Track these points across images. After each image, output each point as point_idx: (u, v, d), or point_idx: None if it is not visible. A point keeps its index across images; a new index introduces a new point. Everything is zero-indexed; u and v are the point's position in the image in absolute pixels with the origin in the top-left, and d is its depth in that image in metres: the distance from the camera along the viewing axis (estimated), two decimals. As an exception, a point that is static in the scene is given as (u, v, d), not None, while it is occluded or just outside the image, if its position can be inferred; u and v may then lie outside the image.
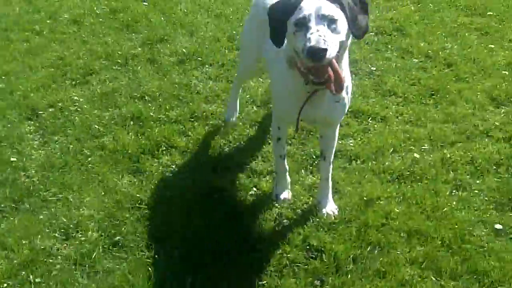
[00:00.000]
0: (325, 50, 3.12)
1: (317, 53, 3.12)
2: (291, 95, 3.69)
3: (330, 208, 4.05)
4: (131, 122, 5.07)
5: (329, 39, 3.17)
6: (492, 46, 6.01)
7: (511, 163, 4.43)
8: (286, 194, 4.21)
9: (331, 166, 4.07)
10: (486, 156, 4.51)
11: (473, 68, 5.65)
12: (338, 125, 4.01)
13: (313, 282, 3.57)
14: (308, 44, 3.13)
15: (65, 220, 4.08)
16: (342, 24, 3.30)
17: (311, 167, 4.51)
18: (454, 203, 4.10)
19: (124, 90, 5.53)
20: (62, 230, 4.02)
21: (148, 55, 6.13)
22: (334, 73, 3.28)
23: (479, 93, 5.24)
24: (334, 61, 3.26)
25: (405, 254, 3.71)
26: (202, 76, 5.74)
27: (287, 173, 4.24)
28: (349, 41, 3.47)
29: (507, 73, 5.53)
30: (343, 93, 3.69)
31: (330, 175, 4.08)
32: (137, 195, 4.27)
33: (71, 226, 4.04)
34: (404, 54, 5.95)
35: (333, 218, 3.99)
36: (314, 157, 4.56)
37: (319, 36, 3.14)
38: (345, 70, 3.66)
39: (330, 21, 3.24)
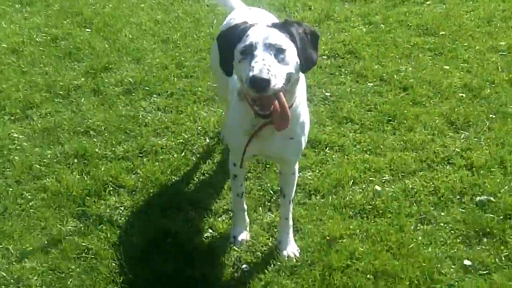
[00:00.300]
0: (268, 80, 2.91)
1: (260, 83, 2.91)
2: (240, 128, 3.46)
3: (291, 249, 3.82)
4: (75, 160, 4.75)
5: (274, 69, 2.96)
6: (447, 67, 5.89)
7: (475, 192, 4.28)
8: (244, 236, 3.96)
9: (292, 204, 3.84)
10: (449, 185, 4.35)
11: (429, 91, 5.51)
12: (297, 162, 3.78)
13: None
14: (251, 73, 2.92)
15: (5, 275, 3.76)
16: (291, 55, 3.10)
17: (269, 204, 4.28)
18: (420, 238, 3.92)
19: (67, 124, 5.21)
20: (3, 286, 3.68)
21: (92, 85, 5.81)
22: (280, 107, 3.06)
23: (437, 117, 5.10)
24: (281, 94, 3.05)
25: (373, 298, 3.51)
26: (150, 106, 5.45)
27: (246, 213, 4.00)
28: (300, 75, 3.27)
29: (463, 95, 5.41)
30: (298, 130, 3.49)
31: (290, 214, 3.85)
32: (83, 243, 3.96)
33: (12, 281, 3.72)
34: (358, 78, 5.78)
35: (294, 260, 3.76)
36: (272, 192, 4.33)
37: (263, 65, 2.94)
38: (301, 105, 3.47)
39: (278, 51, 3.05)
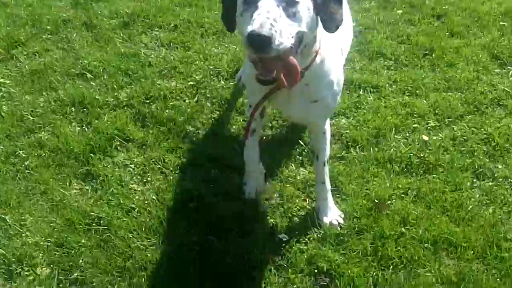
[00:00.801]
0: (269, 37, 2.30)
1: (258, 41, 2.31)
2: (256, 86, 2.82)
3: (333, 216, 3.32)
4: (72, 109, 4.15)
5: (281, 25, 2.36)
6: (483, -10, 5.29)
7: (534, 140, 3.79)
8: (254, 185, 3.50)
9: (327, 166, 3.31)
10: (503, 131, 3.85)
11: (466, 19, 4.93)
12: (327, 122, 3.22)
13: (329, 319, 2.87)
14: (250, 27, 2.32)
15: (5, 253, 3.21)
16: (306, 9, 2.49)
17: (300, 157, 3.75)
18: (478, 196, 3.44)
19: (59, 66, 4.56)
20: (3, 266, 3.15)
21: (83, 18, 5.14)
22: (289, 67, 2.50)
23: (479, 51, 4.54)
24: (292, 58, 2.49)
25: (435, 271, 3.04)
26: (152, 42, 4.81)
27: (258, 157, 3.47)
28: (317, 35, 2.67)
29: (505, 24, 4.84)
30: (323, 91, 2.92)
31: (327, 177, 3.33)
32: (92, 212, 3.41)
33: (13, 260, 3.18)
34: (385, 4, 5.15)
35: (339, 228, 3.27)
36: (303, 144, 3.79)
37: (266, 18, 2.33)
38: (328, 61, 2.87)
39: (289, 3, 2.42)
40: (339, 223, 3.29)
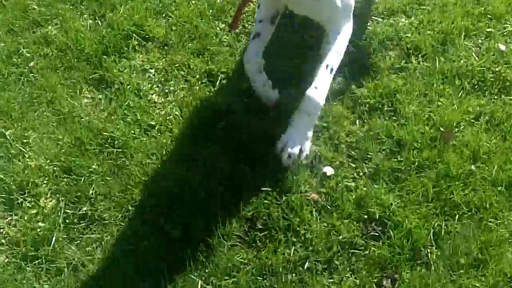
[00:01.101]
0: None
1: None
2: None
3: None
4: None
5: None
6: None
7: None
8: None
9: (330, 77, 2.69)
10: None
11: None
12: (347, 24, 2.75)
13: (380, 282, 2.41)
14: None
15: (4, 178, 2.79)
16: None
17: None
18: None
19: None
20: (3, 194, 2.75)
21: None
22: None
23: None
24: None
25: (508, 223, 2.53)
26: None
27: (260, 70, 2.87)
28: None
29: None
30: None
31: (321, 86, 2.66)
32: (105, 130, 2.93)
33: (14, 187, 2.76)
34: None
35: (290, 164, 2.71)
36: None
37: None
38: None
39: None
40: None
